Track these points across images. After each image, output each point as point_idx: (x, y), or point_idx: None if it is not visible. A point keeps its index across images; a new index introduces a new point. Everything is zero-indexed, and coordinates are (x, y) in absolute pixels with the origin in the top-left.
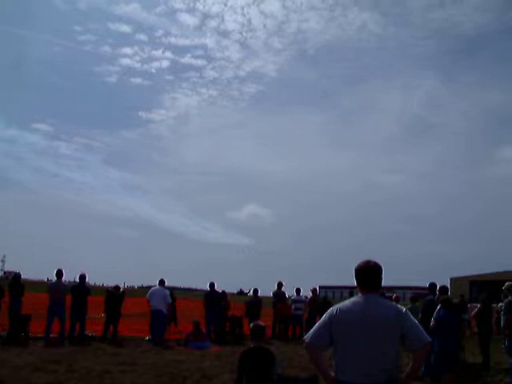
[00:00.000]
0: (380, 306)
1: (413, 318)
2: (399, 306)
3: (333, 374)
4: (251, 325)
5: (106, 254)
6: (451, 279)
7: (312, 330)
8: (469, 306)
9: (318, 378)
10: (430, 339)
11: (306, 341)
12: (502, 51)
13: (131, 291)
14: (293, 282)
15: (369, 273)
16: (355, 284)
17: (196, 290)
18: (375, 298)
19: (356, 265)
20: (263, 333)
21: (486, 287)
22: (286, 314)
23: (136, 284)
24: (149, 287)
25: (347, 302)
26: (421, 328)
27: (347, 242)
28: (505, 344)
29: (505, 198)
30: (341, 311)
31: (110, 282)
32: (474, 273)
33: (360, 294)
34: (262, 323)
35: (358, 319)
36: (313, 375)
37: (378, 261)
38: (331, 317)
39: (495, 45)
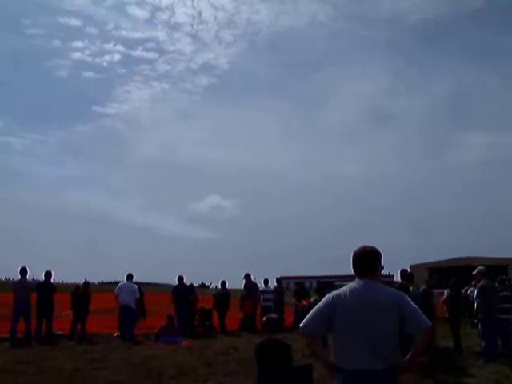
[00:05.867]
0: (378, 292)
1: (412, 302)
2: (398, 291)
3: (331, 359)
4: (264, 317)
5: (64, 250)
6: (411, 266)
7: (308, 317)
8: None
9: (312, 366)
10: (431, 323)
11: (303, 328)
12: (460, 38)
13: (91, 287)
14: (256, 274)
15: (364, 258)
16: (320, 274)
17: (157, 284)
18: (373, 283)
19: (354, 250)
20: (277, 325)
21: (444, 273)
22: (248, 311)
23: (96, 280)
24: (110, 283)
25: (344, 288)
26: (420, 312)
27: (308, 232)
28: (478, 327)
29: (464, 185)
30: (337, 297)
31: (69, 279)
32: (433, 260)
33: (357, 280)
34: (274, 315)
35: (356, 305)
36: (308, 364)
37: (339, 250)
38: (328, 303)
39: (452, 32)
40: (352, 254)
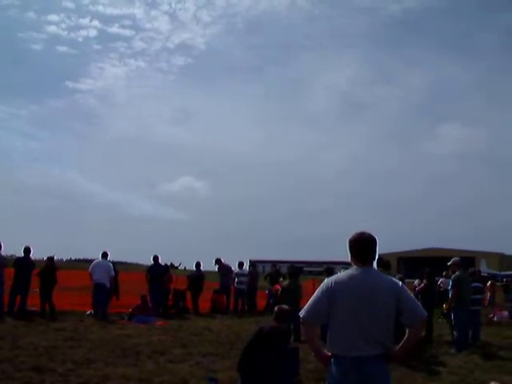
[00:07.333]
0: (376, 279)
1: (409, 291)
2: (395, 279)
3: (326, 351)
4: (276, 308)
5: (32, 225)
6: (379, 255)
7: (307, 305)
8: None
9: (298, 349)
10: (426, 314)
11: (302, 316)
12: (435, 30)
13: (60, 264)
14: (226, 255)
15: (363, 244)
16: (289, 259)
17: (126, 263)
18: (371, 270)
19: (350, 236)
20: (287, 317)
21: (412, 263)
22: (221, 307)
23: (64, 257)
24: (78, 260)
25: (342, 275)
26: (417, 302)
27: (278, 216)
28: (449, 317)
29: (435, 176)
30: (336, 284)
31: (36, 255)
32: (402, 249)
33: (355, 267)
34: (286, 307)
35: (354, 292)
36: (294, 347)
37: (309, 236)
38: (327, 290)
39: (431, 23)
40: (349, 241)
